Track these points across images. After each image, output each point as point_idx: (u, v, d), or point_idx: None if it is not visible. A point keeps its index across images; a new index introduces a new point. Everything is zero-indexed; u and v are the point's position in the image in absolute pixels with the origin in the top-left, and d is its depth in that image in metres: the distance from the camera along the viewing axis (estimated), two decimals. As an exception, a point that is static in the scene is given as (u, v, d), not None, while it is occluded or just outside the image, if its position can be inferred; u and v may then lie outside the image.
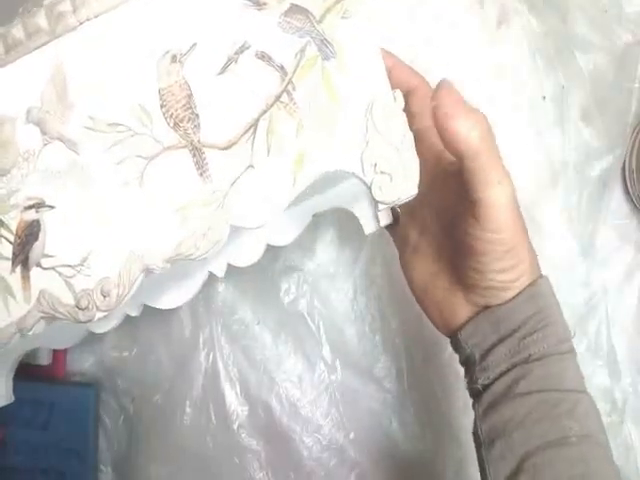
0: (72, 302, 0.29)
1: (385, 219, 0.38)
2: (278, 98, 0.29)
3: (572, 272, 0.50)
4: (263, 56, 0.29)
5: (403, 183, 0.29)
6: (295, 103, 0.29)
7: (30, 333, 0.29)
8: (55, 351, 0.49)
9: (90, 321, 0.29)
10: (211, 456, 0.50)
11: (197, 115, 0.29)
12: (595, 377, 0.50)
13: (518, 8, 0.50)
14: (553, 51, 0.50)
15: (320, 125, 0.29)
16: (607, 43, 0.48)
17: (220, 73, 0.29)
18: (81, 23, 0.29)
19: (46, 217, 0.29)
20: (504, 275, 0.32)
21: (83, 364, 0.51)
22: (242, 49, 0.29)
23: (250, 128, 0.28)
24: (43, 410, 0.49)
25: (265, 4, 0.29)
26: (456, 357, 0.50)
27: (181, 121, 0.28)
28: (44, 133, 0.29)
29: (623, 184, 0.52)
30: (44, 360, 0.49)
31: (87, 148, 0.29)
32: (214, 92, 0.29)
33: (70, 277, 0.29)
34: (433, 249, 0.37)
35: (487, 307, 0.34)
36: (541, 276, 0.33)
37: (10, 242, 0.29)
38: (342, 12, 0.29)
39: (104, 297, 0.28)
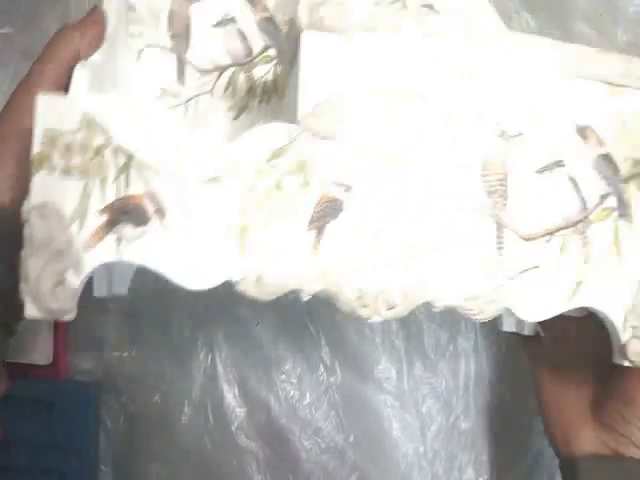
0: (354, 294, 0.29)
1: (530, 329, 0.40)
2: (575, 224, 0.31)
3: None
4: (574, 182, 0.31)
5: None
6: (586, 237, 0.31)
7: (305, 297, 0.29)
8: (55, 351, 0.50)
9: (367, 319, 0.30)
10: (210, 457, 0.49)
11: (507, 196, 0.31)
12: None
13: (517, 8, 0.50)
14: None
15: (601, 267, 0.31)
16: (607, 43, 0.48)
17: (538, 171, 0.31)
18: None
19: (351, 207, 0.30)
20: None
21: (83, 364, 0.51)
22: (558, 164, 0.31)
23: (546, 235, 0.31)
24: (43, 409, 0.49)
25: (587, 139, 0.32)
26: (458, 355, 0.50)
27: (494, 193, 0.31)
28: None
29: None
30: (44, 360, 0.49)
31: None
32: (527, 185, 0.31)
33: (350, 271, 0.30)
34: (580, 377, 0.37)
35: (614, 452, 0.34)
36: None
37: (312, 204, 0.29)
38: None
39: (387, 308, 0.29)
